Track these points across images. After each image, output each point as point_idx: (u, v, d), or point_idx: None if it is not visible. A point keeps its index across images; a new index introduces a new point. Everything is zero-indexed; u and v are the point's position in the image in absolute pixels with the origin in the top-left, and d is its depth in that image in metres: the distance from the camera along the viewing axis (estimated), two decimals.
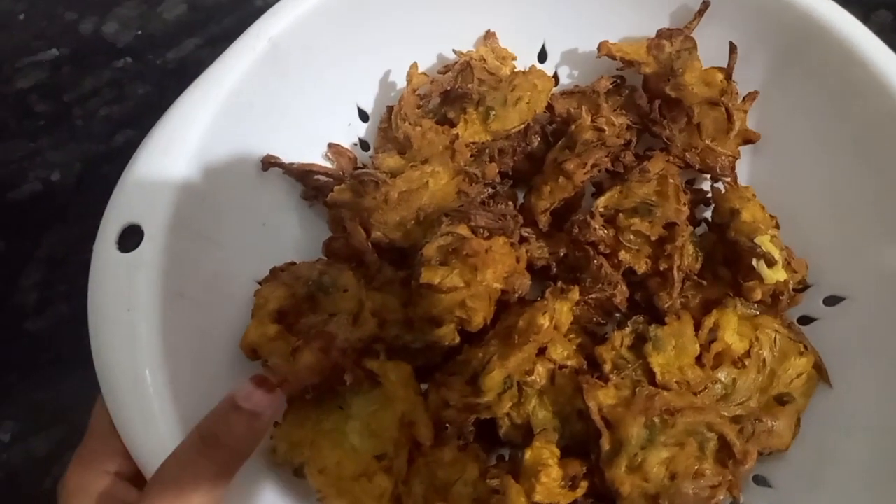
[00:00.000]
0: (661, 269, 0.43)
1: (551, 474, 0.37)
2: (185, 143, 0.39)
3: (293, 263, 0.42)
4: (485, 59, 0.48)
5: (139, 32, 0.66)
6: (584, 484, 0.38)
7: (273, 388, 0.32)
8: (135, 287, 0.35)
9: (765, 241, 0.40)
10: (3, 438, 0.50)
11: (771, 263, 0.40)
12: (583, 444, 0.40)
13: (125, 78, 0.63)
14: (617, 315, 0.45)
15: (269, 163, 0.43)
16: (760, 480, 0.41)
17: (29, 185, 0.59)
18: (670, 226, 0.42)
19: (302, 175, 0.45)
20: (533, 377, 0.40)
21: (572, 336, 0.43)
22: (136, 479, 0.33)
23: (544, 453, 0.38)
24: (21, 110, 0.62)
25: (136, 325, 0.34)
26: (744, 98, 0.48)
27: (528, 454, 0.38)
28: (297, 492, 0.37)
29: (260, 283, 0.41)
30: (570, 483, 0.38)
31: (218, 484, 0.31)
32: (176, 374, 0.35)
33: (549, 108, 0.49)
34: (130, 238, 0.36)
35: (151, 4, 0.67)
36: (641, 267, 0.43)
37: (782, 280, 0.41)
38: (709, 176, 0.49)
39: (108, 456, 0.33)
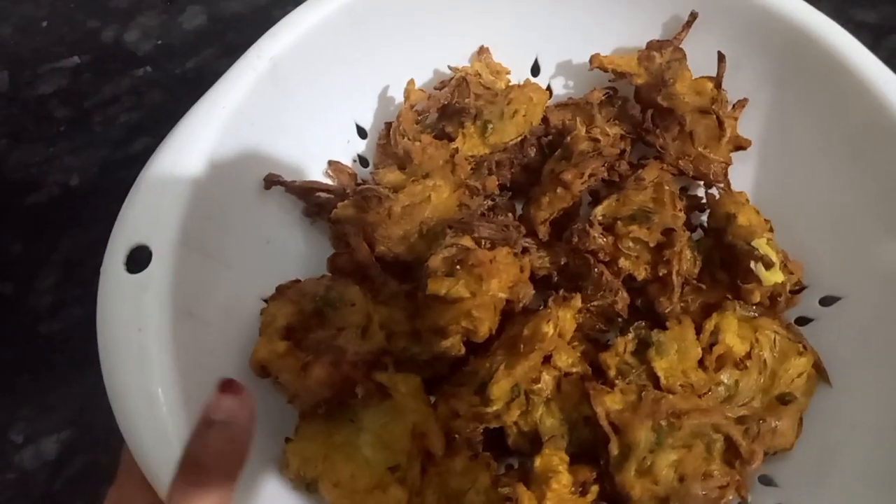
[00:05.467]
0: (661, 274, 0.44)
1: (562, 480, 0.38)
2: (188, 162, 0.39)
3: (298, 281, 0.42)
4: (480, 74, 0.49)
5: (159, 42, 0.67)
6: (594, 489, 0.38)
7: (240, 389, 0.30)
8: (144, 307, 0.35)
9: (762, 244, 0.41)
10: (16, 440, 0.50)
11: (769, 265, 0.41)
12: (591, 449, 0.40)
13: (144, 86, 0.64)
14: (619, 321, 0.45)
15: (271, 181, 0.44)
16: (766, 480, 0.42)
17: (47, 189, 0.59)
18: (668, 232, 0.43)
19: (304, 192, 0.45)
20: (539, 385, 0.40)
21: (576, 343, 0.44)
22: None
23: (554, 460, 0.39)
24: (41, 115, 0.63)
25: (147, 346, 0.34)
26: (734, 105, 0.49)
27: (537, 461, 0.39)
28: None
29: (266, 301, 0.41)
30: (580, 489, 0.38)
31: None
32: (188, 393, 0.35)
33: (545, 119, 0.50)
34: (138, 259, 0.36)
35: (172, 14, 0.68)
36: (641, 273, 0.44)
37: (780, 282, 0.42)
38: (702, 182, 0.50)
39: (140, 494, 0.33)
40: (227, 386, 0.30)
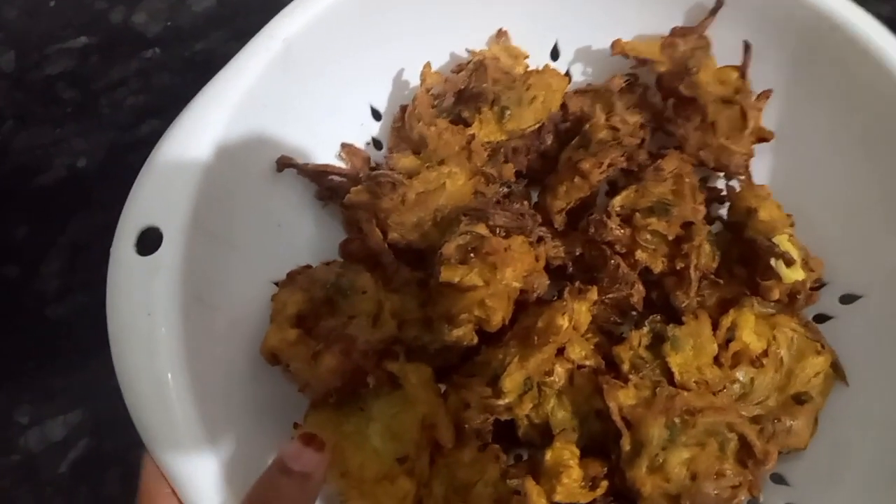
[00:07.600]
0: (678, 268, 0.43)
1: (572, 475, 0.38)
2: (200, 145, 0.38)
3: (309, 267, 0.42)
4: (498, 58, 0.48)
5: (168, 24, 0.66)
6: (604, 484, 0.38)
7: (322, 446, 0.31)
8: (154, 290, 0.35)
9: (783, 241, 0.40)
10: (21, 421, 0.51)
11: (789, 263, 0.40)
12: (601, 444, 0.40)
13: (152, 68, 0.64)
14: (634, 314, 0.44)
15: (283, 164, 0.43)
16: (778, 478, 0.41)
17: (54, 172, 0.59)
18: (687, 225, 0.42)
19: (316, 175, 0.44)
20: (552, 377, 0.40)
21: (589, 336, 0.43)
22: None
23: (565, 454, 0.38)
24: (48, 97, 0.62)
25: (156, 329, 0.34)
26: (758, 96, 0.48)
27: (548, 455, 0.38)
28: None
29: (277, 285, 0.41)
30: (590, 483, 0.38)
31: None
32: (197, 377, 0.35)
33: (563, 106, 0.49)
34: (148, 241, 0.36)
35: None
36: (658, 266, 0.43)
37: (800, 279, 0.41)
38: (723, 174, 0.48)
39: None
40: (311, 440, 0.30)
